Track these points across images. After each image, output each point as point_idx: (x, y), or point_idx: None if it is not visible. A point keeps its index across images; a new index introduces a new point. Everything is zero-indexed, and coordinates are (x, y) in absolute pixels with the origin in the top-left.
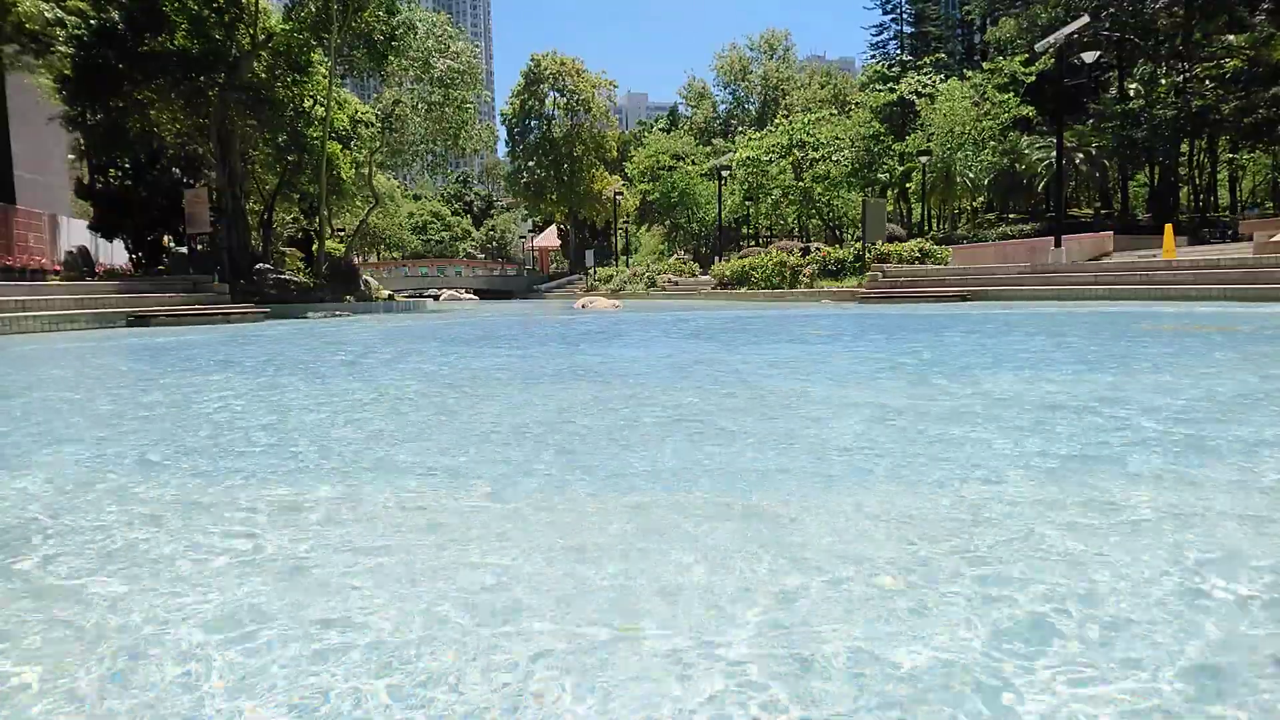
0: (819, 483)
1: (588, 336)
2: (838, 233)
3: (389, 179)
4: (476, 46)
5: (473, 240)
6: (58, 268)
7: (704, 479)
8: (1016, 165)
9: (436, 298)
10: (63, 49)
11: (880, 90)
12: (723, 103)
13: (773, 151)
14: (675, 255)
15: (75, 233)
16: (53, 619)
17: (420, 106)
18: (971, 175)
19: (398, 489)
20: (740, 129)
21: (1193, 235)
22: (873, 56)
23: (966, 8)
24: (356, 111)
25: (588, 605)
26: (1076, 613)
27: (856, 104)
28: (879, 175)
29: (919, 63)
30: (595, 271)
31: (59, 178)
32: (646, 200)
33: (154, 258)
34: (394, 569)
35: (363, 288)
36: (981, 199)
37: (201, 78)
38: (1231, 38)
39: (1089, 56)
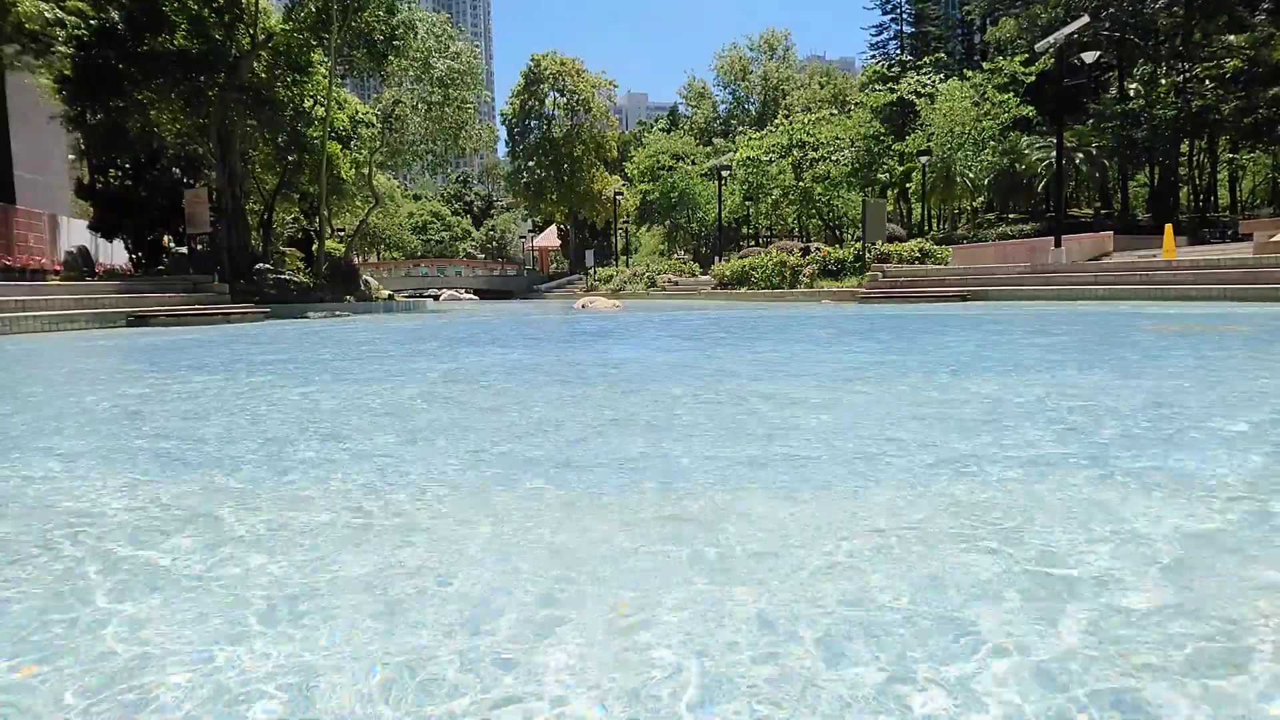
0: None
1: (606, 335)
2: (838, 233)
3: (389, 179)
4: (476, 46)
5: (473, 240)
6: (58, 268)
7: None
8: (1016, 165)
9: (436, 298)
10: (63, 49)
11: (880, 90)
12: (723, 103)
13: (773, 151)
14: (675, 255)
15: (75, 233)
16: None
17: (420, 106)
18: (971, 175)
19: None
20: (740, 129)
21: (1193, 235)
22: (873, 56)
23: (966, 8)
24: (356, 111)
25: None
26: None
27: (856, 104)
28: (879, 175)
29: (919, 63)
30: (595, 271)
31: (59, 178)
32: (646, 200)
33: (154, 258)
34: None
35: (363, 288)
36: (981, 199)
37: (201, 78)
38: (1231, 38)
39: (1089, 56)
